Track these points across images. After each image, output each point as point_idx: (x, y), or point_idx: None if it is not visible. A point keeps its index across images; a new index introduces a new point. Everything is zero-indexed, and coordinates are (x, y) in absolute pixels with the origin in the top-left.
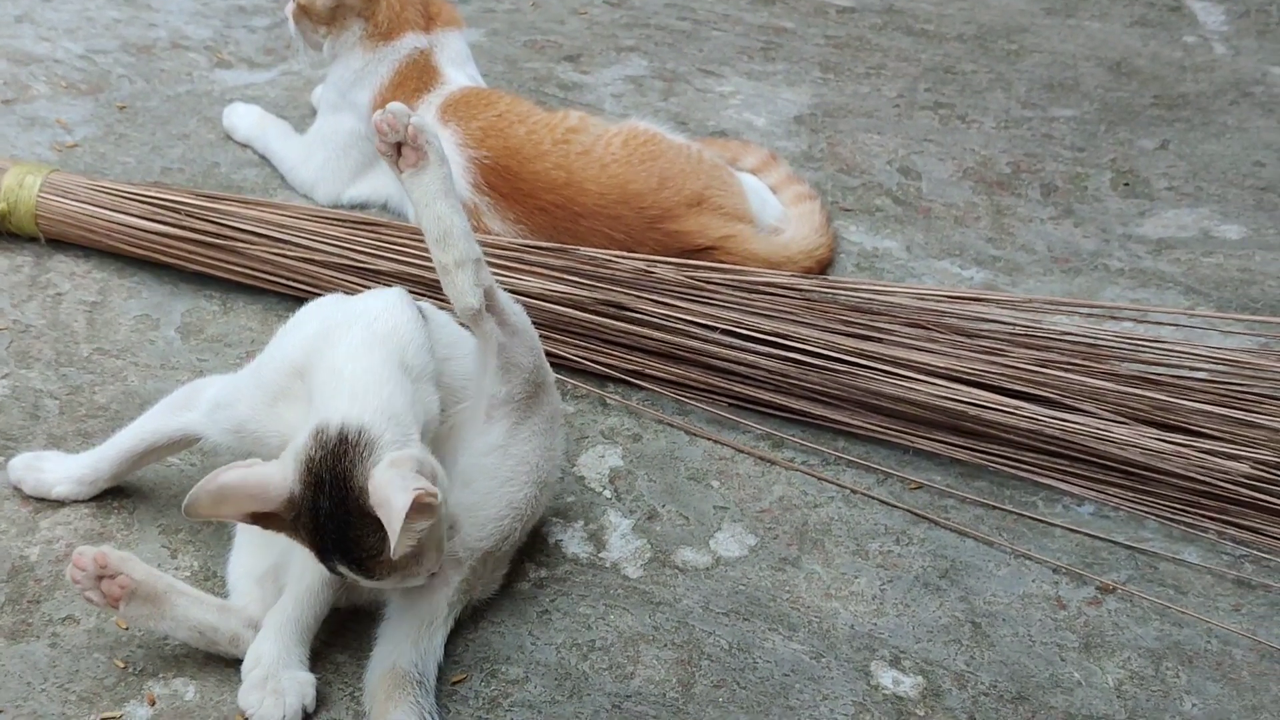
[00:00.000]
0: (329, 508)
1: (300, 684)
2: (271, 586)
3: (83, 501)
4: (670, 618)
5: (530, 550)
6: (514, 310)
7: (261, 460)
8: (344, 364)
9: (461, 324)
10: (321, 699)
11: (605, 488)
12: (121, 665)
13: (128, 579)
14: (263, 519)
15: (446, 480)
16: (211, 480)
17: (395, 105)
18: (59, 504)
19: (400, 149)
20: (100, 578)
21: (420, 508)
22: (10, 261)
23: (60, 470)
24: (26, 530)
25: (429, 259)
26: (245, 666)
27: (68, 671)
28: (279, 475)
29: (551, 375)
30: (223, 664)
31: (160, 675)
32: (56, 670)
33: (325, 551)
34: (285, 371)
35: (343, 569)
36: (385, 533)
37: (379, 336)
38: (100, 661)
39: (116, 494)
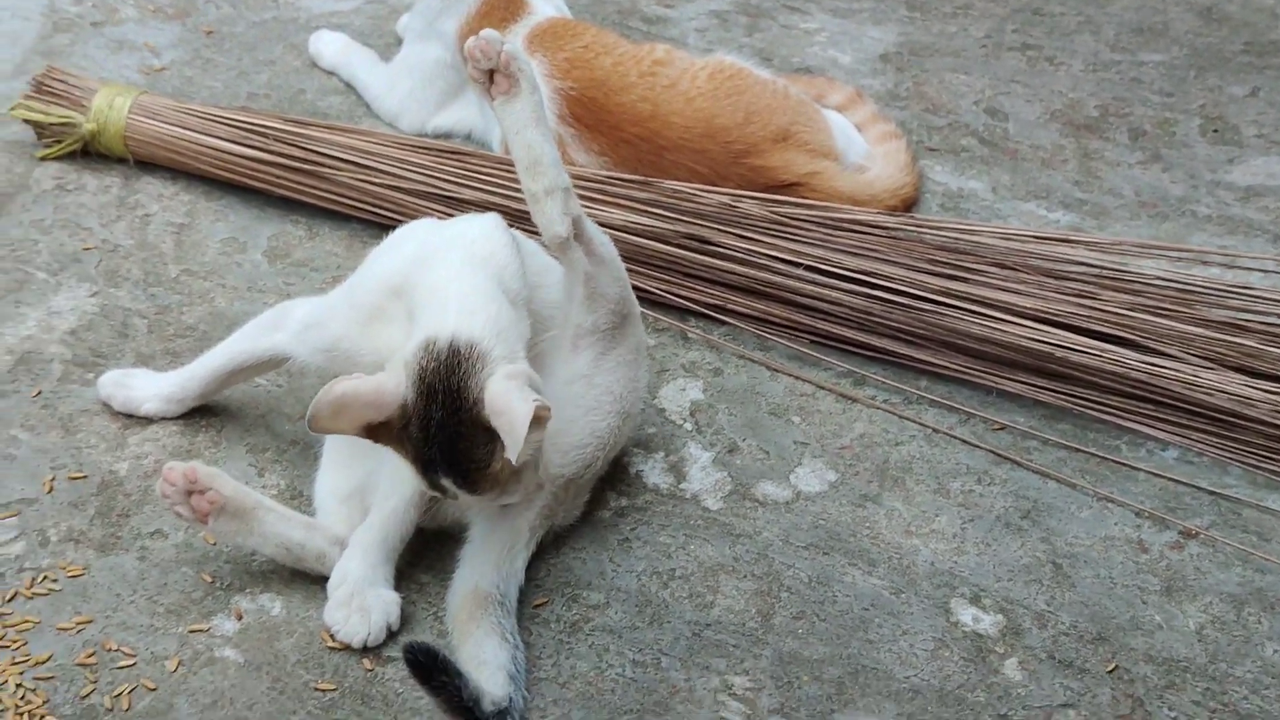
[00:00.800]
0: (441, 418)
1: (385, 603)
2: (357, 506)
3: (170, 419)
4: (750, 549)
5: (611, 479)
6: (601, 240)
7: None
8: (447, 282)
9: (550, 253)
10: (406, 618)
11: (686, 420)
12: (209, 580)
13: (217, 494)
14: (374, 430)
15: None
16: (328, 392)
17: (488, 32)
18: (147, 421)
19: (492, 76)
20: (190, 493)
21: (536, 420)
22: (99, 182)
23: (149, 387)
24: (115, 445)
25: (514, 188)
26: (331, 584)
27: (156, 584)
28: (391, 383)
29: (637, 307)
30: (308, 580)
31: (247, 590)
32: (145, 583)
33: (431, 464)
34: (381, 291)
35: (447, 482)
36: (493, 446)
37: (479, 258)
38: (188, 575)
39: (204, 412)
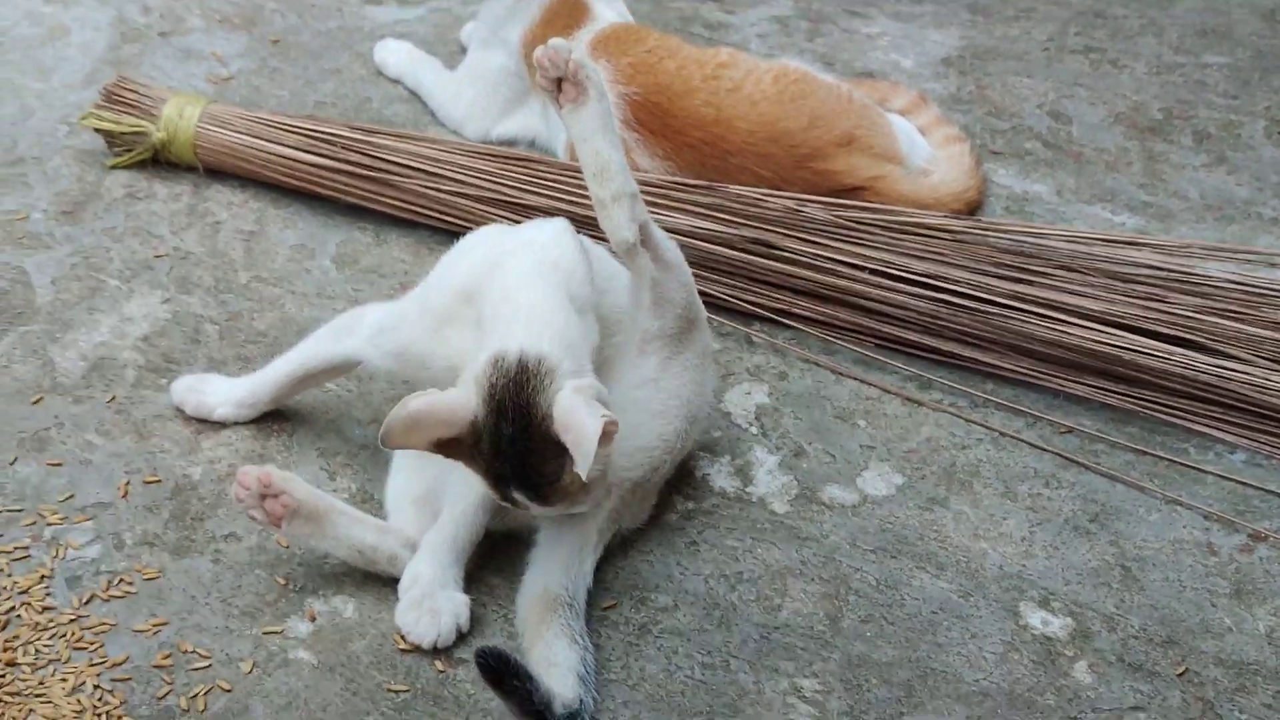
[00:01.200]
0: (511, 434)
1: (455, 604)
2: (427, 509)
3: (243, 424)
4: (817, 553)
5: (678, 483)
6: (668, 246)
7: (435, 388)
8: (516, 291)
9: (616, 258)
10: (476, 620)
11: (751, 424)
12: (283, 582)
13: (290, 498)
14: (445, 446)
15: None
16: (402, 409)
17: (556, 41)
18: (220, 426)
19: (560, 84)
20: (264, 497)
21: (604, 436)
22: (170, 190)
23: (221, 393)
24: (189, 450)
25: (580, 194)
26: (402, 586)
27: (230, 587)
28: (462, 399)
29: (703, 312)
30: (381, 583)
31: (320, 592)
32: (219, 585)
33: (503, 478)
34: (453, 296)
35: (519, 495)
36: (563, 459)
37: (547, 265)
38: (262, 578)
39: (276, 417)
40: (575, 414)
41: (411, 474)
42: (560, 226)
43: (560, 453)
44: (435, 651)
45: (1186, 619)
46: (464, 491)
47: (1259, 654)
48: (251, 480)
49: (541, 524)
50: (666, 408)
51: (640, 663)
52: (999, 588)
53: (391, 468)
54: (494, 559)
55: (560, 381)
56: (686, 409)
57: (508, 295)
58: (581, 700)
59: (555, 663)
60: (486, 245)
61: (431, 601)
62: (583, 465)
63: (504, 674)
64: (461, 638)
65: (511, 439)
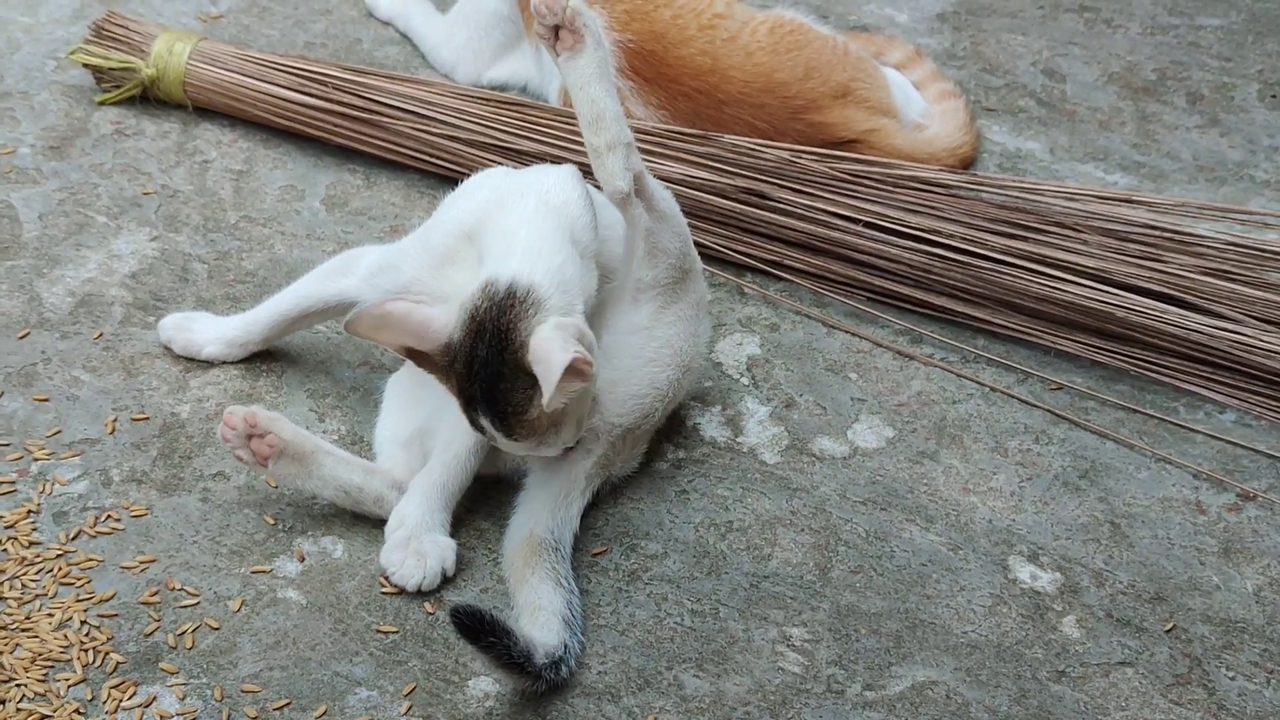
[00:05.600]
0: (485, 356)
1: (441, 548)
2: (416, 451)
3: (231, 364)
4: (807, 503)
5: (669, 432)
6: (662, 196)
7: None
8: (518, 227)
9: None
10: (465, 563)
11: (743, 375)
12: (271, 522)
13: (276, 438)
14: (416, 355)
15: (598, 357)
16: (379, 305)
17: None
18: (208, 365)
19: (558, 32)
20: (250, 436)
21: (575, 372)
22: (158, 128)
23: (210, 331)
24: (177, 389)
25: (573, 140)
26: (389, 527)
27: (218, 526)
28: (443, 319)
29: (699, 262)
30: (370, 524)
31: (309, 533)
32: (208, 524)
33: (473, 401)
34: (455, 235)
35: (485, 422)
36: (533, 391)
37: (552, 207)
38: (250, 517)
39: (265, 358)
40: (548, 344)
41: (401, 415)
42: (568, 171)
43: (530, 384)
44: (420, 594)
45: (1175, 576)
46: (454, 436)
47: (1246, 612)
48: (238, 420)
49: (530, 469)
50: (659, 355)
51: (630, 609)
52: (988, 541)
53: (381, 409)
54: (484, 504)
55: (545, 315)
56: (680, 358)
57: (509, 231)
58: (566, 645)
59: (540, 606)
60: (491, 185)
61: (418, 544)
62: (545, 394)
63: (480, 630)
64: (447, 581)
65: (485, 361)
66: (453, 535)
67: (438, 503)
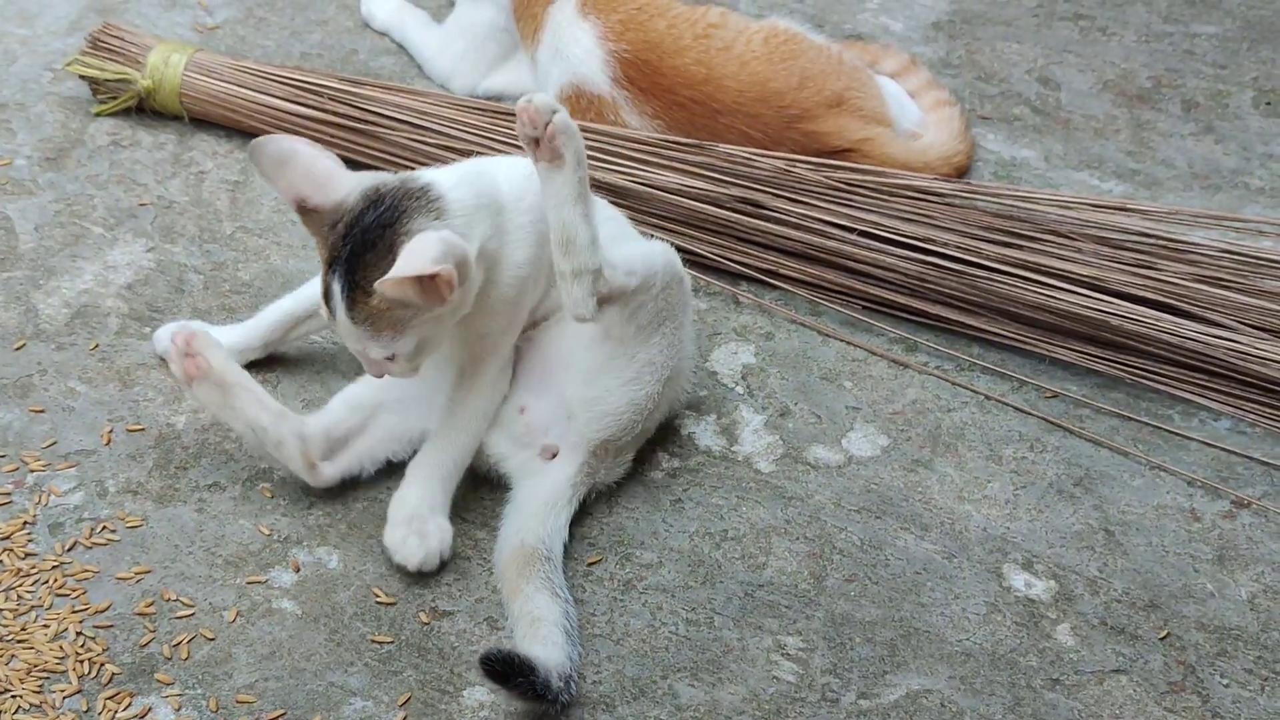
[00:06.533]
0: (368, 223)
1: (442, 530)
2: (358, 419)
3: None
4: (802, 512)
5: (663, 440)
6: (632, 270)
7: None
8: (464, 163)
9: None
10: (461, 573)
11: (737, 383)
12: (266, 532)
13: (204, 361)
14: (307, 212)
15: (466, 299)
16: (288, 139)
17: (540, 98)
18: None
19: (537, 143)
20: (186, 355)
21: (433, 287)
22: (154, 139)
23: None
24: (173, 400)
25: None
26: (391, 509)
27: (214, 536)
28: (345, 178)
29: (687, 286)
30: (365, 534)
31: (304, 543)
32: (203, 534)
33: (335, 262)
34: None
35: (335, 287)
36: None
37: (506, 176)
38: (246, 528)
39: (261, 368)
40: (428, 246)
41: (373, 385)
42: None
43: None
44: (419, 575)
45: (1169, 584)
46: (450, 421)
47: (1241, 619)
48: (181, 338)
49: (515, 479)
50: (640, 375)
51: (625, 618)
52: (982, 549)
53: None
54: (479, 513)
55: (442, 223)
56: (660, 373)
57: (456, 165)
58: (571, 659)
59: (539, 617)
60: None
61: (420, 524)
62: (389, 277)
63: (510, 673)
64: (443, 565)
65: (366, 228)
66: (452, 545)
67: (436, 485)
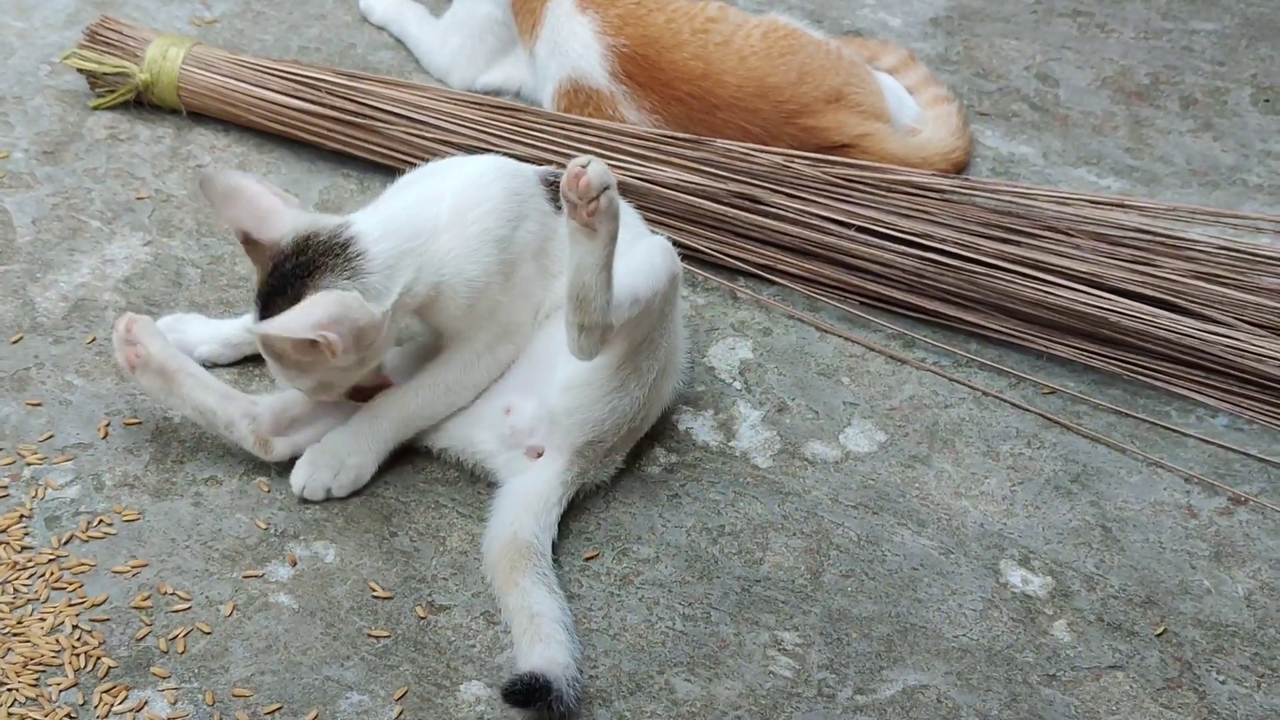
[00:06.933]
0: (287, 270)
1: (349, 471)
2: (311, 405)
3: (225, 366)
4: (799, 508)
5: (660, 436)
6: (641, 299)
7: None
8: (425, 193)
9: None
10: (458, 568)
11: (735, 379)
12: (263, 526)
13: (144, 349)
14: (251, 244)
15: (372, 355)
16: (236, 174)
17: (596, 170)
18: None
19: (575, 207)
20: (127, 342)
21: (314, 345)
22: (152, 132)
23: (204, 331)
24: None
25: (566, 145)
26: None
27: (210, 530)
28: (284, 218)
29: (677, 280)
30: (362, 529)
31: (301, 537)
32: (200, 529)
33: (260, 295)
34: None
35: (252, 316)
36: None
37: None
38: (242, 522)
39: (258, 363)
40: (313, 305)
41: None
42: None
43: None
44: (301, 503)
45: (1166, 580)
46: (415, 379)
47: (1237, 616)
48: (122, 324)
49: (503, 475)
50: (624, 383)
51: (621, 613)
52: (979, 545)
53: None
54: (476, 508)
55: (353, 282)
56: (646, 377)
57: (402, 195)
58: (573, 655)
59: (537, 612)
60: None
61: (327, 459)
62: (264, 326)
63: (534, 697)
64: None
65: (285, 274)
66: (445, 540)
67: (363, 429)
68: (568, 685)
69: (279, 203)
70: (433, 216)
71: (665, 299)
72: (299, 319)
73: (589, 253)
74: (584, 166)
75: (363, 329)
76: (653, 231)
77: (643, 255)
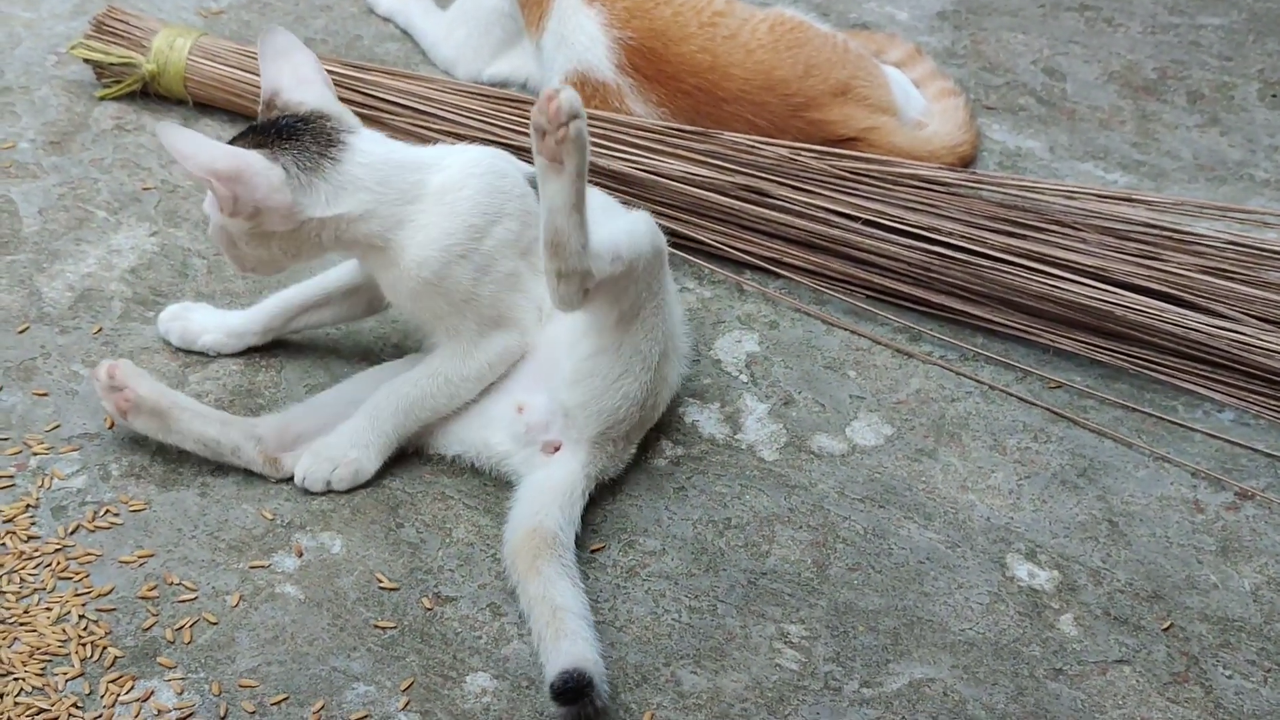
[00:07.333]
0: (280, 124)
1: (350, 464)
2: (320, 416)
3: (229, 356)
4: (806, 501)
5: (667, 428)
6: (622, 255)
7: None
8: (433, 156)
9: None
10: (464, 559)
11: (741, 372)
12: (269, 517)
13: (132, 393)
14: (269, 108)
15: (262, 239)
16: (297, 41)
17: (568, 96)
18: (208, 360)
19: (544, 135)
20: (112, 389)
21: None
22: (158, 123)
23: (208, 320)
24: (176, 384)
25: None
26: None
27: (217, 521)
28: (315, 94)
29: (663, 255)
30: (368, 520)
31: (307, 528)
32: (206, 519)
33: (247, 129)
34: None
35: None
36: None
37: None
38: (249, 513)
39: (264, 354)
40: (231, 154)
41: (340, 392)
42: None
43: None
44: (306, 494)
45: (1172, 575)
46: (411, 372)
47: (1244, 611)
48: (102, 372)
49: (521, 471)
50: (629, 367)
51: (628, 605)
52: (986, 539)
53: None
54: (483, 499)
55: (300, 173)
56: (648, 361)
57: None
58: (598, 654)
59: (560, 606)
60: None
61: (329, 452)
62: (172, 137)
63: (582, 694)
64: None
65: (273, 123)
66: (451, 531)
67: (363, 424)
68: (599, 679)
69: (321, 81)
70: (419, 181)
71: (650, 270)
72: (204, 152)
73: (558, 192)
74: (558, 90)
75: (260, 203)
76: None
77: (625, 222)
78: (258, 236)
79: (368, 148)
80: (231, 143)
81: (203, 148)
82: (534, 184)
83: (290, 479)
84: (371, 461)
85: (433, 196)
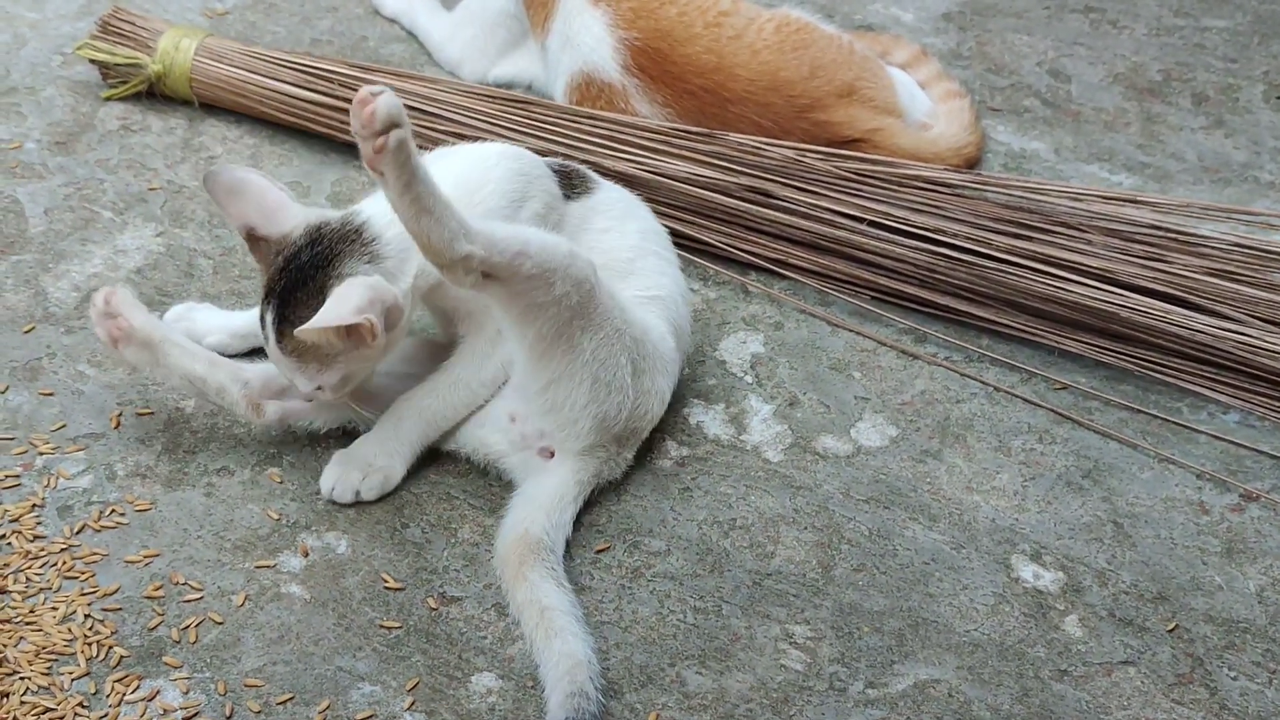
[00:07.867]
0: (304, 261)
1: (378, 473)
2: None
3: (232, 356)
4: (811, 502)
5: (671, 429)
6: (530, 254)
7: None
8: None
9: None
10: (470, 559)
11: (746, 373)
12: (275, 517)
13: (126, 322)
14: (255, 240)
15: (395, 339)
16: (243, 172)
17: (385, 101)
18: None
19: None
20: (107, 316)
21: (357, 333)
22: (164, 123)
23: (212, 320)
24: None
25: (577, 136)
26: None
27: (223, 520)
28: (293, 213)
29: (592, 300)
30: (373, 520)
31: (313, 528)
32: (212, 519)
33: (271, 294)
34: None
35: (268, 317)
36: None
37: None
38: (254, 512)
39: (265, 354)
40: (354, 293)
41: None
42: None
43: (317, 307)
44: (315, 496)
45: (1177, 576)
46: (431, 382)
47: (1249, 612)
48: (100, 298)
49: (519, 475)
50: (594, 395)
51: (633, 605)
52: (991, 540)
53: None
54: (489, 500)
55: (374, 267)
56: (623, 370)
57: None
58: (589, 647)
59: (547, 606)
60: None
61: (358, 463)
62: (313, 322)
63: None
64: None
65: (301, 266)
66: (456, 531)
67: (389, 433)
68: (591, 682)
69: (285, 197)
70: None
71: (576, 286)
72: (343, 307)
73: (393, 203)
74: (374, 95)
75: (390, 309)
76: (661, 225)
77: (552, 235)
78: (385, 344)
79: (378, 210)
80: (265, 298)
81: (337, 307)
82: (552, 169)
83: (263, 425)
84: (398, 469)
85: (458, 206)
